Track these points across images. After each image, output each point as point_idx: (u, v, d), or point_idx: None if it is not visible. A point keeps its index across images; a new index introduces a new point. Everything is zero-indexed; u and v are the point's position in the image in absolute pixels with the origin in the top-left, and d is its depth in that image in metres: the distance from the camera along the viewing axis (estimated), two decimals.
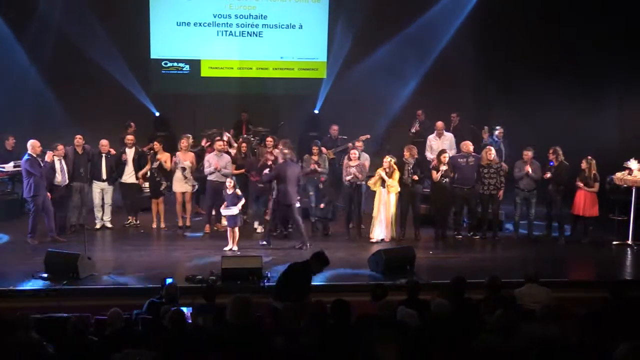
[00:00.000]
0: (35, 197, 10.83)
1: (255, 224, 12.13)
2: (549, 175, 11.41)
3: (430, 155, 12.89)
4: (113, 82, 14.96)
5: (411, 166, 11.44)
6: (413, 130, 14.73)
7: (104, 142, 11.93)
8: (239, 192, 10.87)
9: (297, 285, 7.41)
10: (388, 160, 11.29)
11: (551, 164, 11.48)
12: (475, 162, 11.64)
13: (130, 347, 5.54)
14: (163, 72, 16.58)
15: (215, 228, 11.90)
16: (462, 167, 11.64)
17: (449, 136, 13.34)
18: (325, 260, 7.69)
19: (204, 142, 12.81)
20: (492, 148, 11.71)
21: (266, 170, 11.33)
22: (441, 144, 12.95)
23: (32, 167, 10.80)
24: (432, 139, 13.34)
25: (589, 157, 11.34)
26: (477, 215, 11.86)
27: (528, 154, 11.53)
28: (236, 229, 10.80)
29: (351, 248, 11.02)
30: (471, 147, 11.79)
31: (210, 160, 11.72)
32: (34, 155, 10.90)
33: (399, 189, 11.33)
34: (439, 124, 13.39)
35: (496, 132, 13.40)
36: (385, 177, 11.16)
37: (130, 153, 12.03)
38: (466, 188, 11.64)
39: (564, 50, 14.34)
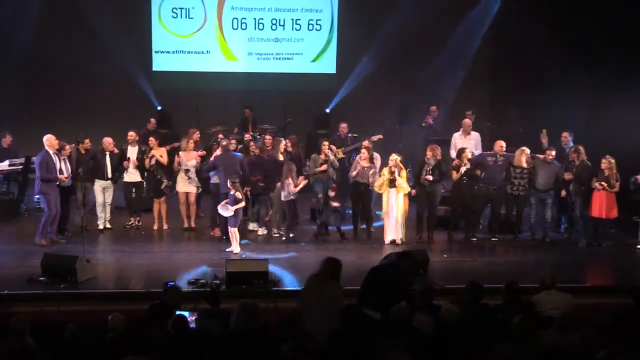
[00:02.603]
0: (47, 195, 10.62)
1: (252, 226, 11.78)
2: (570, 176, 11.19)
3: (454, 153, 12.37)
4: (115, 78, 14.86)
5: (430, 167, 11.17)
6: (423, 124, 14.47)
7: (108, 140, 11.72)
8: (239, 195, 10.48)
9: (388, 290, 7.11)
10: (394, 158, 11.01)
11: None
12: (505, 162, 11.40)
13: (131, 353, 5.33)
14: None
15: (212, 234, 11.53)
16: (490, 166, 11.41)
17: (474, 135, 13.04)
18: (412, 259, 7.94)
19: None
20: (527, 150, 11.36)
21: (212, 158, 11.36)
22: (466, 143, 12.63)
23: (42, 164, 10.54)
24: (457, 137, 13.00)
25: (609, 156, 11.06)
26: (499, 218, 11.62)
27: (551, 153, 11.33)
28: (235, 230, 10.55)
29: (362, 250, 10.81)
30: (503, 147, 11.53)
31: None
32: (50, 152, 10.68)
33: (408, 189, 11.06)
34: (466, 121, 13.13)
35: (562, 137, 12.37)
36: (397, 176, 10.88)
37: (133, 151, 11.81)
38: (492, 188, 11.40)
39: (583, 43, 13.92)
